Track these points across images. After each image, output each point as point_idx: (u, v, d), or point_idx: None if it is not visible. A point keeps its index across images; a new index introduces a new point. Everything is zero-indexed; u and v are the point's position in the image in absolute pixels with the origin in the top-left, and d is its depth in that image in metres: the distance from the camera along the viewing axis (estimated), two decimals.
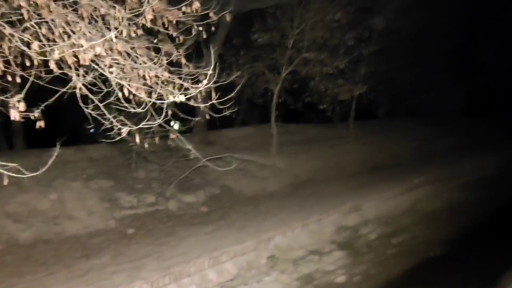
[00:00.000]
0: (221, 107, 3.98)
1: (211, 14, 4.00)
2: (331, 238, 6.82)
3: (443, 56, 14.93)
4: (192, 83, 3.49)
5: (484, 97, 20.04)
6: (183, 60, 3.99)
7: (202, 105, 3.68)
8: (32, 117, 3.09)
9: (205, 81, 3.07)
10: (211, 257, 5.34)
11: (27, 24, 2.95)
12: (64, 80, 3.38)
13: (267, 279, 5.65)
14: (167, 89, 3.17)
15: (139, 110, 3.24)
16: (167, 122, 4.16)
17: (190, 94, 3.18)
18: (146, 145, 4.07)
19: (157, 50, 3.90)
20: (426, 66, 14.40)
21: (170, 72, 3.63)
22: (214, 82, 3.39)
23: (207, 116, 4.71)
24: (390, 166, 11.87)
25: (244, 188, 9.01)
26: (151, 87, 3.28)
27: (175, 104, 3.58)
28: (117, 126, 3.20)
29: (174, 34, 4.02)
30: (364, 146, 12.38)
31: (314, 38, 9.24)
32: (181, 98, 3.10)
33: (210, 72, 3.10)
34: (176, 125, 3.37)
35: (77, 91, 3.19)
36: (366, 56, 10.69)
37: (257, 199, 8.72)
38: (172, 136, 3.55)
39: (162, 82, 3.24)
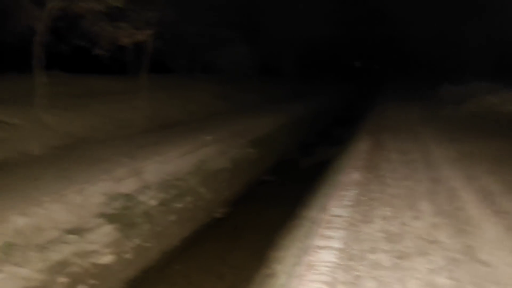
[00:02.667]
0: None
1: None
2: (99, 210, 5.62)
3: (231, 13, 14.84)
4: None
5: (272, 59, 21.62)
6: None
7: None
8: None
9: None
10: None
11: None
12: None
13: None
14: None
15: None
16: None
17: None
18: None
19: None
20: (215, 21, 14.02)
21: None
22: None
23: None
24: (184, 123, 11.21)
25: None
26: None
27: None
28: None
29: None
30: (157, 102, 11.34)
31: None
32: None
33: None
34: None
35: None
36: None
37: (8, 168, 6.73)
38: None
39: None
